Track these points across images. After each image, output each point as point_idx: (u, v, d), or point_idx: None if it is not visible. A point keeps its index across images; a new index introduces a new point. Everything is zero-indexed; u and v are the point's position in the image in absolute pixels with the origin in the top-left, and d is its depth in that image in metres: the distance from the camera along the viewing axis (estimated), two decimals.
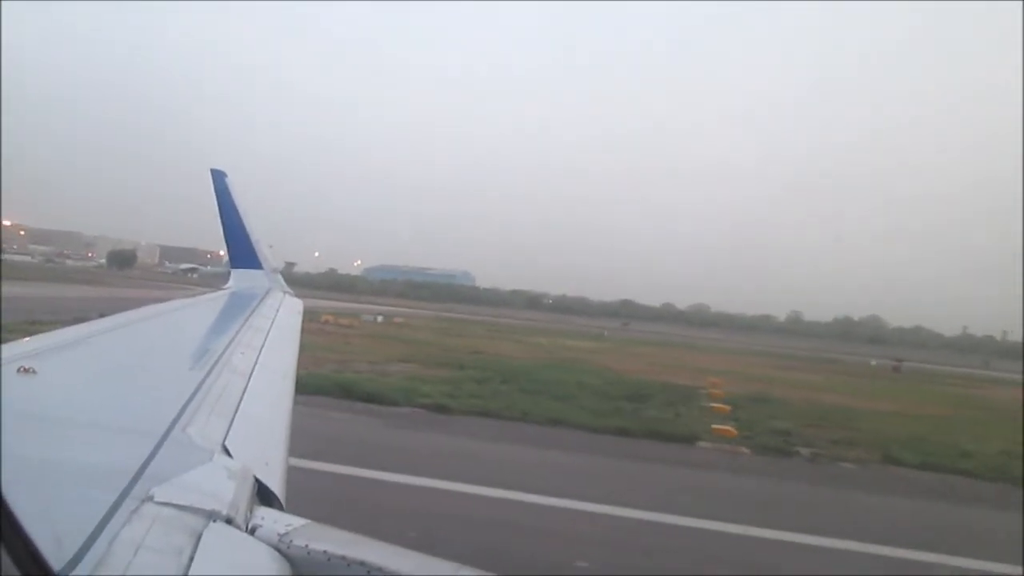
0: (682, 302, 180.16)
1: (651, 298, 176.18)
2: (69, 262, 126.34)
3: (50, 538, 1.31)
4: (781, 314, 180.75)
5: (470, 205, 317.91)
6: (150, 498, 1.66)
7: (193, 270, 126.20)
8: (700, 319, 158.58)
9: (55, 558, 1.26)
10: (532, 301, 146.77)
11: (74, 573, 1.27)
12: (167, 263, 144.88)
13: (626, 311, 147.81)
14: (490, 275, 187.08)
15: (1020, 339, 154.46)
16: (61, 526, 1.43)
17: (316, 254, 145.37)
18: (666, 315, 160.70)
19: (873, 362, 71.11)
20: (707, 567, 10.58)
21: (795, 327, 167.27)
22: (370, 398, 20.17)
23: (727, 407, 24.73)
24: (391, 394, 20.73)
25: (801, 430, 23.32)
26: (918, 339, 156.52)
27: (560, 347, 49.77)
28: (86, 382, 3.12)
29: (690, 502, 13.75)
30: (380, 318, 57.08)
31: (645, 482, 15.44)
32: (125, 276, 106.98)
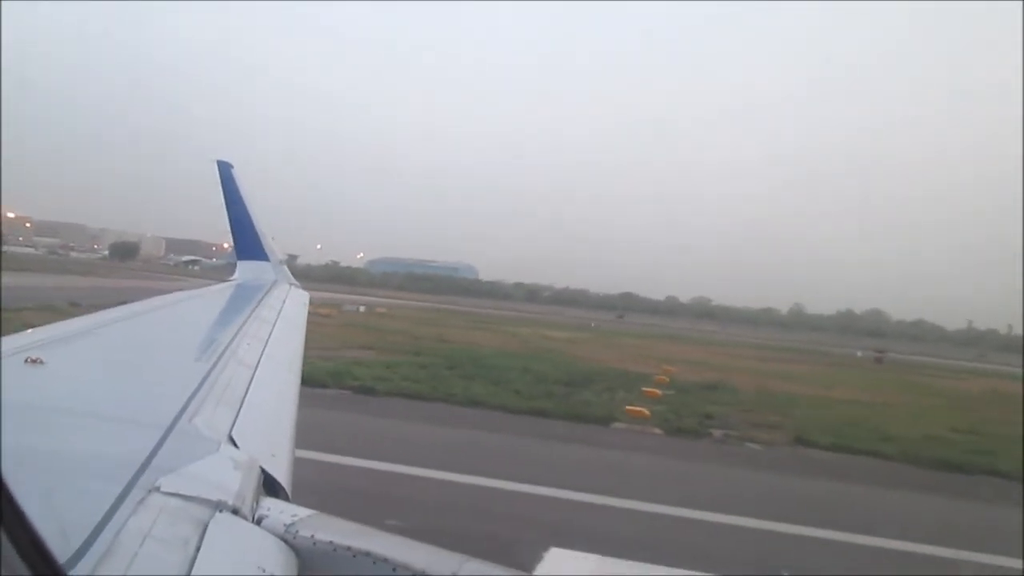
0: (687, 296, 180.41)
1: (656, 292, 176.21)
2: (73, 254, 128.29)
3: (56, 529, 1.32)
4: (784, 308, 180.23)
5: (476, 200, 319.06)
6: (156, 488, 1.67)
7: (194, 262, 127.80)
8: (700, 312, 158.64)
9: (61, 549, 1.26)
10: (532, 293, 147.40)
11: (81, 563, 1.28)
12: (172, 256, 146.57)
13: (626, 304, 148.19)
14: (495, 269, 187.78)
15: (1022, 333, 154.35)
16: (67, 516, 1.44)
17: (318, 246, 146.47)
18: (668, 308, 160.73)
19: (859, 353, 71.37)
20: (527, 532, 11.17)
21: (796, 320, 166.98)
22: (301, 381, 20.98)
23: (658, 392, 25.39)
24: (323, 377, 21.52)
25: (732, 414, 24.03)
26: (919, 332, 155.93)
27: (537, 337, 50.45)
28: (93, 373, 3.16)
29: (569, 476, 14.47)
30: (362, 308, 57.97)
31: (534, 458, 16.16)
32: (127, 268, 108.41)
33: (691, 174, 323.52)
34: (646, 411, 20.92)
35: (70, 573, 1.22)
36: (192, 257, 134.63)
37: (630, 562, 10.18)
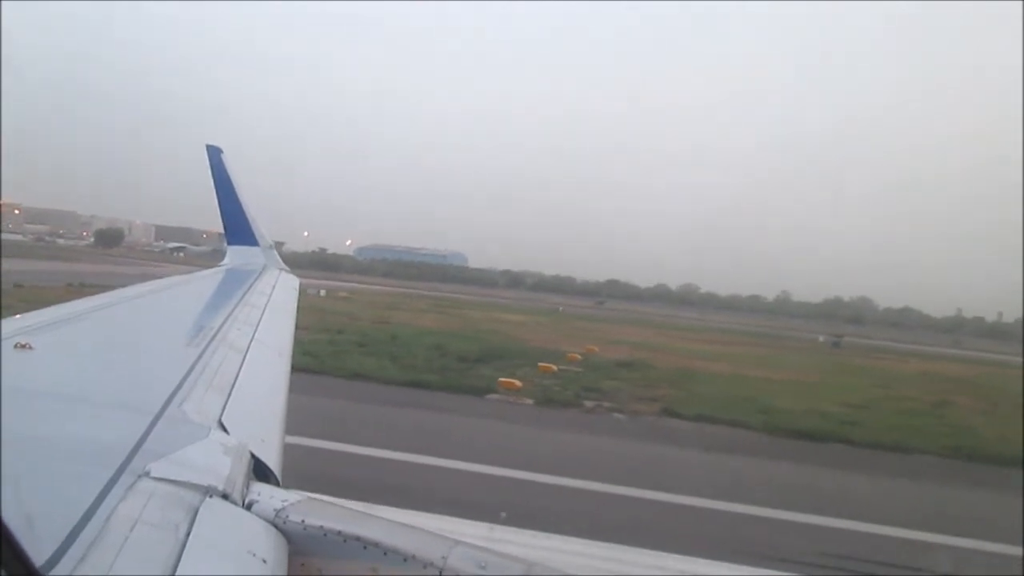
0: (676, 283, 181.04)
1: (648, 279, 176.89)
2: (60, 241, 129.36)
3: (46, 514, 1.34)
4: (773, 295, 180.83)
5: (468, 189, 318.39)
6: (147, 474, 1.67)
7: (180, 249, 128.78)
8: (686, 299, 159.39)
9: (51, 534, 1.27)
10: (516, 280, 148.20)
11: (71, 548, 1.27)
12: (163, 242, 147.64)
13: (611, 291, 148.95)
14: (487, 257, 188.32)
15: (1011, 320, 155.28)
16: (57, 501, 1.44)
17: (305, 233, 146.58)
18: (653, 295, 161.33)
19: (821, 338, 72.13)
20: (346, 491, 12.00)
21: (782, 307, 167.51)
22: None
23: (554, 367, 26.37)
24: None
25: (625, 389, 25.12)
26: (903, 320, 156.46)
27: (488, 320, 51.37)
28: (83, 358, 3.15)
29: (408, 439, 15.41)
30: (323, 292, 58.84)
31: (384, 423, 17.17)
32: (112, 254, 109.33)
33: (684, 162, 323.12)
34: (518, 383, 21.90)
35: (61, 558, 1.23)
36: (177, 244, 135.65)
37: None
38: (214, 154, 10.59)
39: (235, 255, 10.54)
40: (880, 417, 24.54)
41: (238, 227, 10.70)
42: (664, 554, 10.50)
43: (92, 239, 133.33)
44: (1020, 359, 70.05)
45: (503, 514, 10.43)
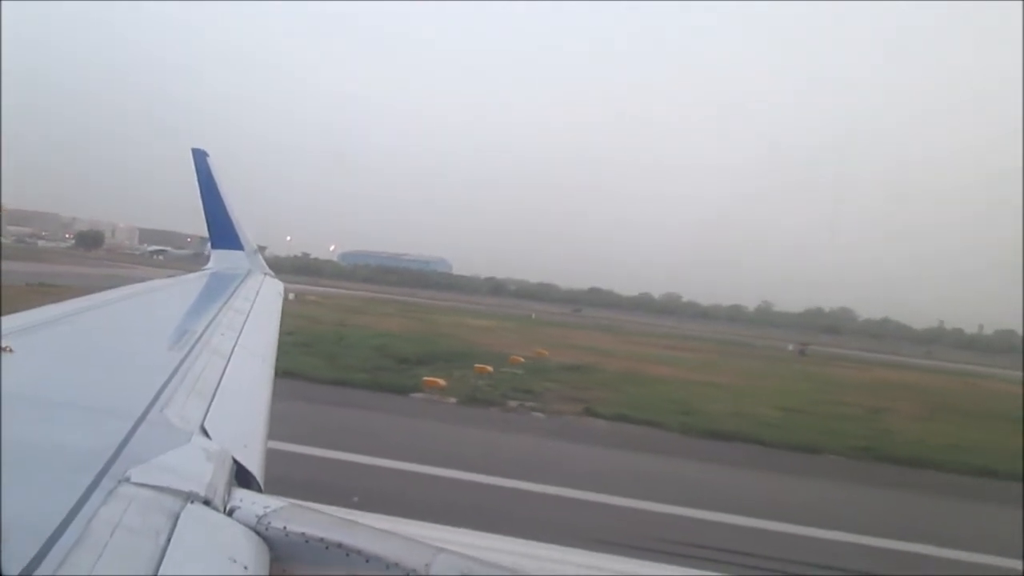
0: (663, 293, 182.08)
1: (633, 288, 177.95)
2: (40, 242, 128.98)
3: (25, 520, 1.34)
4: (755, 304, 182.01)
5: (455, 196, 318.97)
6: (127, 479, 1.66)
7: (160, 252, 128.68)
8: (667, 308, 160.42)
9: (30, 540, 1.28)
10: (497, 287, 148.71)
11: (50, 554, 1.27)
12: (145, 245, 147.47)
13: (593, 299, 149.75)
14: (472, 264, 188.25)
15: (990, 332, 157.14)
16: (36, 507, 1.43)
17: (288, 238, 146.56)
18: (637, 304, 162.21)
19: (790, 347, 72.93)
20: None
21: (763, 317, 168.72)
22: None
23: (489, 368, 26.83)
24: None
25: (558, 390, 25.56)
26: (882, 330, 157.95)
27: (450, 324, 51.81)
28: (64, 362, 3.12)
29: (316, 434, 15.76)
30: (292, 295, 59.05)
31: (297, 418, 17.52)
32: (91, 257, 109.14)
33: (674, 171, 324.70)
34: (442, 382, 22.35)
35: (40, 564, 1.22)
36: (158, 247, 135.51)
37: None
38: (200, 158, 10.61)
39: (220, 259, 10.54)
40: (806, 421, 25.11)
41: (223, 231, 10.73)
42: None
43: (73, 241, 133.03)
44: (989, 370, 71.85)
45: (355, 498, 10.84)
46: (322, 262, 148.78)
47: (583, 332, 62.49)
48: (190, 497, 1.67)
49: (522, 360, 31.51)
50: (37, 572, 1.22)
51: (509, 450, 17.00)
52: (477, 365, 27.31)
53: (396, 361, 26.90)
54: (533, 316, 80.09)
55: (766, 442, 20.37)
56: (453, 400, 21.52)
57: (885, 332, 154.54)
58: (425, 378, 22.71)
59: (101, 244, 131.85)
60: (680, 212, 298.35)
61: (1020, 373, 67.51)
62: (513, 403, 22.04)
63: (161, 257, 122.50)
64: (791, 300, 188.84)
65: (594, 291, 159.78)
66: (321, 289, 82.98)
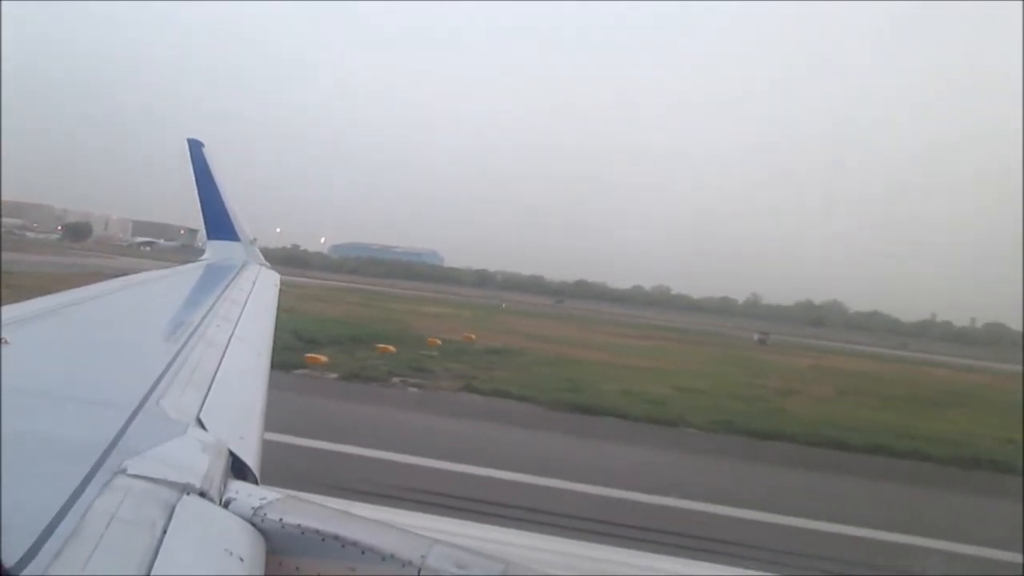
0: (658, 285, 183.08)
1: (628, 280, 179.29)
2: (30, 234, 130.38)
3: (21, 510, 1.35)
4: (746, 297, 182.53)
5: (449, 189, 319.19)
6: (123, 470, 1.66)
7: (148, 243, 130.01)
8: (656, 301, 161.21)
9: (26, 531, 1.28)
10: (483, 279, 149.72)
11: (46, 545, 1.27)
12: (129, 236, 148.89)
13: (581, 290, 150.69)
14: (465, 256, 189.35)
15: (979, 326, 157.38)
16: (32, 498, 1.44)
17: (277, 230, 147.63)
18: (623, 296, 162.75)
19: (756, 336, 73.61)
20: None
21: (752, 310, 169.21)
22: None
23: (391, 348, 27.68)
24: None
25: (455, 369, 26.48)
26: (871, 323, 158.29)
27: (403, 311, 52.68)
28: (60, 353, 3.12)
29: None
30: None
31: None
32: (78, 248, 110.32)
33: (670, 165, 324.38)
34: (323, 359, 23.23)
35: (35, 556, 1.23)
36: (146, 238, 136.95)
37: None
38: (195, 148, 10.49)
39: (216, 250, 10.45)
40: (694, 399, 25.84)
41: (219, 222, 10.61)
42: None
43: (60, 233, 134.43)
44: (958, 360, 72.35)
45: None
46: (311, 254, 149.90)
47: (545, 321, 63.33)
48: (186, 489, 1.67)
49: (439, 343, 32.37)
50: (33, 564, 1.22)
51: (355, 419, 17.83)
52: (380, 345, 28.21)
53: (304, 342, 27.72)
54: (504, 306, 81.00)
55: (628, 416, 21.16)
56: (334, 376, 22.39)
57: (873, 325, 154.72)
58: (307, 355, 23.55)
59: (88, 236, 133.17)
60: (677, 206, 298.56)
61: (997, 364, 68.51)
62: (396, 380, 22.89)
63: (148, 248, 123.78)
64: (785, 293, 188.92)
65: (582, 283, 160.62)
66: (301, 279, 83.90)
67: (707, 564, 10.92)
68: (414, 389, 22.07)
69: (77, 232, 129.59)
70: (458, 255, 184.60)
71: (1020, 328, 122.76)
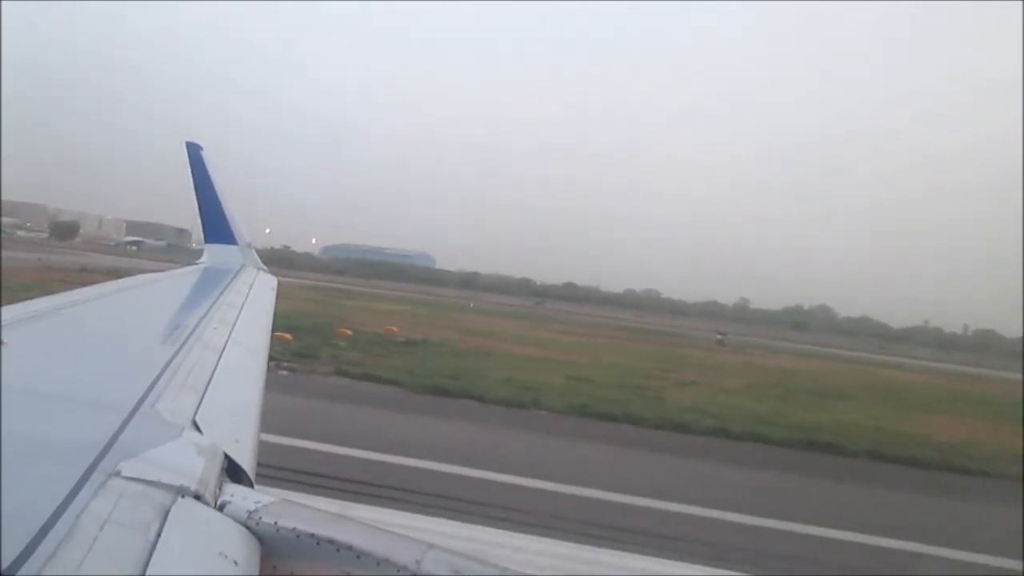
0: (645, 289, 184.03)
1: (621, 285, 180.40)
2: (20, 232, 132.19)
3: (14, 513, 1.35)
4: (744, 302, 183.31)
5: (446, 189, 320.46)
6: (117, 473, 1.66)
7: (135, 243, 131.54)
8: (643, 304, 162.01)
9: (19, 533, 1.28)
10: (468, 280, 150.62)
11: (40, 547, 1.27)
12: (119, 236, 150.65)
13: (565, 293, 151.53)
14: (459, 259, 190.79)
15: (969, 332, 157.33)
16: (26, 500, 1.44)
17: (267, 231, 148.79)
18: (610, 299, 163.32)
19: (719, 336, 74.26)
20: None
21: (740, 314, 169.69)
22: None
23: (288, 336, 28.60)
24: None
25: (347, 356, 27.31)
26: (859, 328, 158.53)
27: (350, 308, 53.60)
28: (56, 355, 3.12)
29: None
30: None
31: None
32: (63, 247, 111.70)
33: (666, 171, 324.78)
34: None
35: (29, 558, 1.23)
36: (134, 238, 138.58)
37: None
38: (194, 151, 10.52)
39: (213, 253, 10.46)
40: (577, 387, 26.64)
41: (217, 225, 10.60)
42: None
43: (47, 232, 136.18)
44: (927, 364, 72.73)
45: None
46: (298, 254, 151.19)
47: (503, 319, 64.20)
48: (180, 492, 1.67)
49: (349, 333, 33.27)
50: (26, 566, 1.21)
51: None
52: (277, 333, 29.08)
53: None
54: (471, 305, 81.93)
55: (485, 399, 22.05)
56: None
57: (860, 330, 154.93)
58: None
59: (75, 235, 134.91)
60: (677, 210, 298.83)
61: (965, 368, 68.90)
62: (271, 363, 23.72)
63: (135, 248, 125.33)
64: (783, 299, 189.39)
65: (569, 286, 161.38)
66: (278, 278, 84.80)
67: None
68: (284, 372, 22.97)
69: (64, 231, 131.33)
70: (455, 258, 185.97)
71: (1011, 335, 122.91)
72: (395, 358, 28.82)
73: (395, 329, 37.96)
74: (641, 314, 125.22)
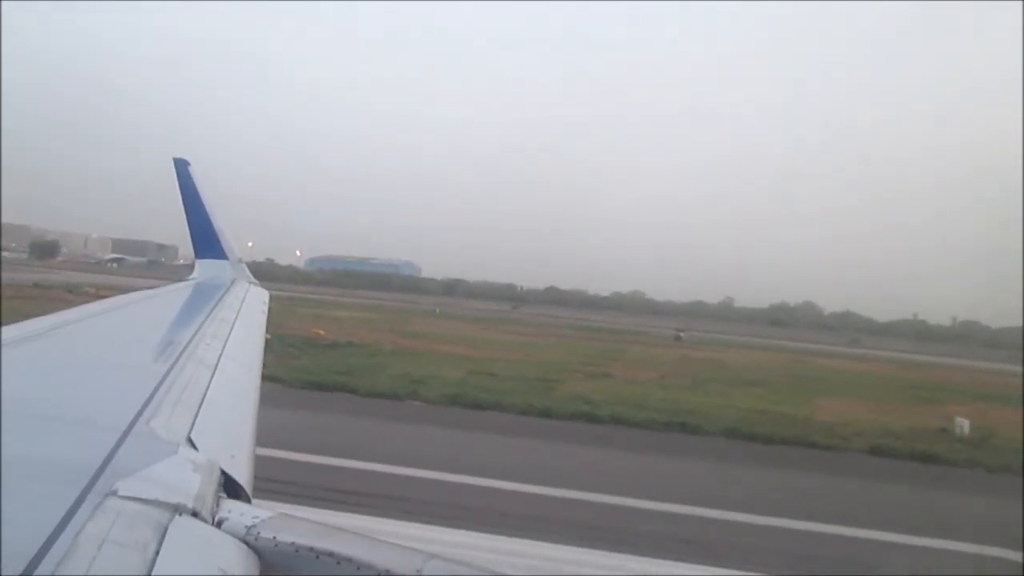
0: (630, 290, 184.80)
1: (609, 287, 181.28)
2: (5, 254, 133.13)
3: (11, 535, 1.35)
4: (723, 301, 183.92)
5: (431, 198, 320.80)
6: (114, 492, 1.66)
7: (115, 260, 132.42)
8: (625, 305, 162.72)
9: (16, 555, 1.28)
10: (450, 288, 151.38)
11: (37, 570, 1.26)
12: (101, 254, 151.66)
13: (548, 297, 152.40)
14: (445, 267, 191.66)
15: (951, 324, 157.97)
16: (22, 521, 1.44)
17: (249, 244, 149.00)
18: (591, 302, 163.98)
19: (682, 334, 74.86)
20: None
21: (725, 313, 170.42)
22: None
23: None
24: None
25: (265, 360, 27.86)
26: (843, 323, 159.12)
27: (305, 315, 53.99)
28: (49, 374, 3.13)
29: None
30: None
31: None
32: (41, 266, 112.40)
33: (654, 172, 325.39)
34: None
35: None
36: (115, 255, 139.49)
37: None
38: (181, 167, 10.51)
39: (204, 269, 10.48)
40: (476, 381, 27.21)
41: (207, 241, 10.63)
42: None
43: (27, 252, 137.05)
44: (890, 354, 73.19)
45: None
46: (280, 267, 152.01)
47: (458, 323, 64.83)
48: (178, 509, 1.67)
49: (269, 337, 33.75)
50: None
51: None
52: None
53: None
54: (437, 311, 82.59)
55: (359, 392, 22.75)
56: None
57: (844, 324, 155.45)
58: None
59: (55, 254, 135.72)
60: (664, 213, 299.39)
61: (933, 358, 69.45)
62: None
63: (115, 265, 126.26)
64: (768, 297, 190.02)
65: (551, 290, 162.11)
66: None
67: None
68: None
69: (43, 251, 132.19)
70: (443, 267, 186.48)
71: (996, 326, 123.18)
72: (304, 359, 29.47)
73: (322, 332, 38.63)
74: (621, 315, 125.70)
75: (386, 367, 28.56)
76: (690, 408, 23.79)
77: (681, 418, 21.73)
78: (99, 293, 53.10)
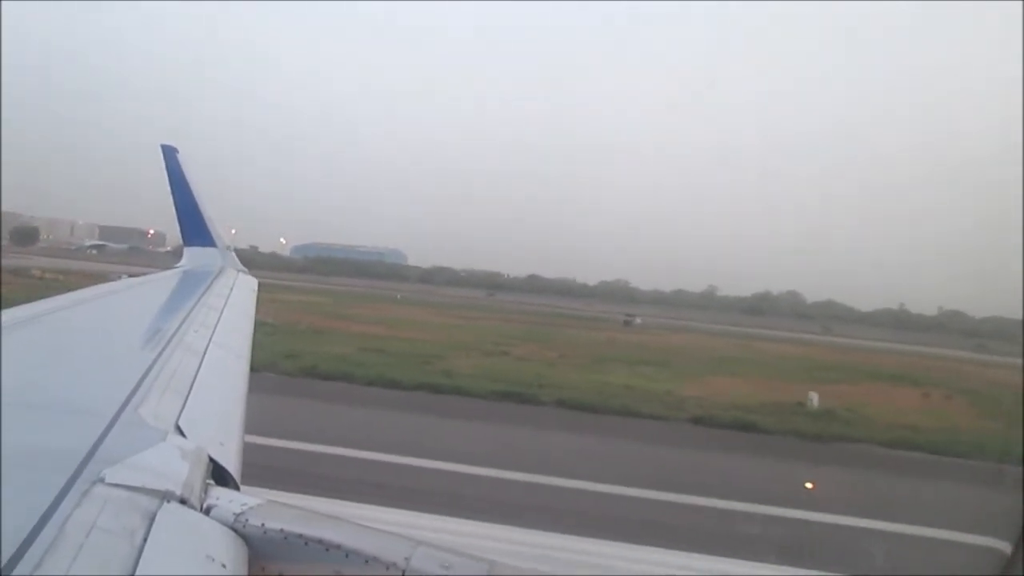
0: (615, 279, 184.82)
1: (598, 277, 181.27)
2: None
3: None
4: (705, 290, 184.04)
5: (422, 186, 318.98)
6: (101, 480, 1.67)
7: (97, 247, 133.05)
8: (608, 294, 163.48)
9: (3, 543, 1.29)
10: (427, 276, 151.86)
11: (25, 557, 1.28)
12: (81, 240, 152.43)
13: (529, 285, 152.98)
14: (433, 255, 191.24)
15: (935, 312, 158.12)
16: (10, 509, 1.44)
17: (232, 231, 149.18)
18: (586, 292, 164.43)
19: (638, 320, 75.41)
20: None
21: (707, 301, 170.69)
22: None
23: None
24: None
25: None
26: (824, 312, 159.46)
27: (263, 299, 54.67)
28: (37, 361, 3.14)
29: None
30: (125, 276, 62.48)
31: None
32: (20, 252, 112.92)
33: (652, 161, 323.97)
34: None
35: (14, 568, 1.24)
36: (95, 242, 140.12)
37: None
38: (169, 154, 10.54)
39: (192, 256, 10.54)
40: (362, 358, 27.94)
41: (195, 228, 10.70)
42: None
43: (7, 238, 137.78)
44: (841, 340, 73.62)
45: None
46: (262, 254, 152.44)
47: (409, 308, 65.72)
48: (166, 496, 1.68)
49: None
50: (11, 575, 1.22)
51: None
52: None
53: None
54: (399, 296, 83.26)
55: (255, 369, 23.34)
56: None
57: (824, 313, 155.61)
58: None
59: (35, 240, 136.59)
60: (653, 202, 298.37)
61: (886, 343, 69.90)
62: None
63: (95, 252, 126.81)
64: (755, 287, 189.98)
65: (533, 278, 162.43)
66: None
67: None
68: None
69: (23, 237, 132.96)
70: (429, 254, 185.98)
71: (980, 315, 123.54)
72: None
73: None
74: (597, 303, 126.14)
75: (275, 344, 29.17)
76: (545, 383, 24.41)
77: (522, 389, 22.35)
78: (43, 276, 53.84)
